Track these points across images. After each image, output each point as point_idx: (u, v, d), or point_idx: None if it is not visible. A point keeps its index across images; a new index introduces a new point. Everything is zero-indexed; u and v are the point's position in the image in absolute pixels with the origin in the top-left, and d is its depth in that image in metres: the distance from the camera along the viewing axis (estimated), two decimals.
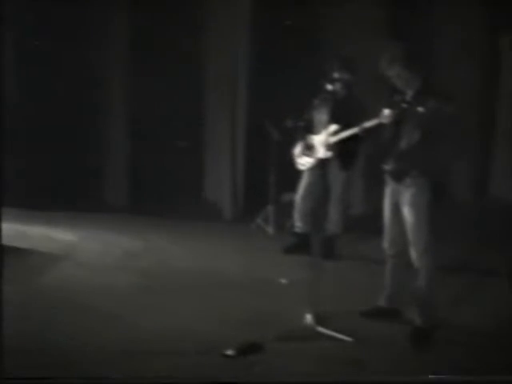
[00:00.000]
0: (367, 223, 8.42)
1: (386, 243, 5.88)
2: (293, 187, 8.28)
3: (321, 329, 5.50)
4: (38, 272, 6.74)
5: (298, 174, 7.98)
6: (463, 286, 6.75)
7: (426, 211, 5.54)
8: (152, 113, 9.53)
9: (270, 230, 8.79)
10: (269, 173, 8.85)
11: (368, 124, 6.33)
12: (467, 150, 8.83)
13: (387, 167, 5.73)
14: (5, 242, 7.30)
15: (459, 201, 8.85)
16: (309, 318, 5.55)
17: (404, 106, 5.60)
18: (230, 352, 5.03)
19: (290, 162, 8.07)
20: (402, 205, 5.63)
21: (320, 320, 5.55)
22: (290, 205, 8.33)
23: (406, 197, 5.59)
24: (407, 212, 5.59)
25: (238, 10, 9.24)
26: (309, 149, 7.71)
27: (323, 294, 5.57)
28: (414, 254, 5.61)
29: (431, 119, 5.41)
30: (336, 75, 7.28)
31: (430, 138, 5.50)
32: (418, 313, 5.65)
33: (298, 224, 7.93)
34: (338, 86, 7.22)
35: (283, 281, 6.80)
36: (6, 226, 7.86)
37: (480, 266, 7.32)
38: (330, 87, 7.14)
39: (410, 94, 5.60)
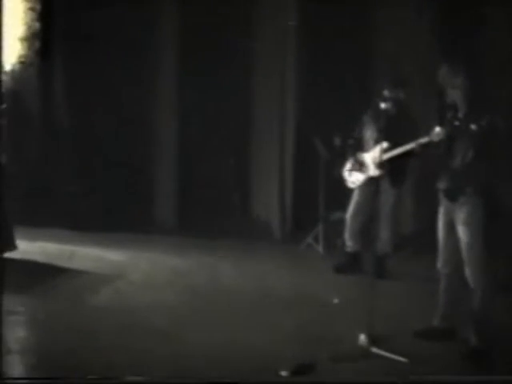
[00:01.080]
0: (417, 241, 8.38)
1: (440, 262, 5.81)
2: (342, 206, 8.25)
3: (375, 349, 5.43)
4: (90, 291, 6.76)
5: (347, 192, 7.93)
6: None
7: (481, 230, 5.47)
8: (201, 132, 9.56)
9: (320, 249, 8.74)
10: (318, 191, 8.79)
11: (419, 142, 6.26)
12: None
13: (441, 186, 5.67)
14: (58, 262, 7.47)
15: None
16: (363, 338, 5.48)
17: (456, 123, 5.54)
18: (283, 373, 4.98)
19: (340, 180, 8.03)
20: (457, 223, 5.56)
21: (374, 340, 5.47)
22: (340, 223, 8.28)
23: (461, 215, 5.52)
24: (462, 231, 5.52)
25: (285, 28, 9.21)
26: (359, 166, 7.67)
27: (377, 314, 5.48)
28: (469, 273, 5.53)
29: (485, 136, 5.35)
30: (388, 93, 7.22)
31: (484, 156, 5.43)
32: (473, 333, 5.56)
33: (349, 243, 7.88)
34: (390, 104, 7.16)
35: (335, 300, 6.74)
36: (58, 247, 8.05)
37: None
38: (382, 105, 7.09)
39: (463, 111, 5.53)
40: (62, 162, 9.33)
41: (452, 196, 5.57)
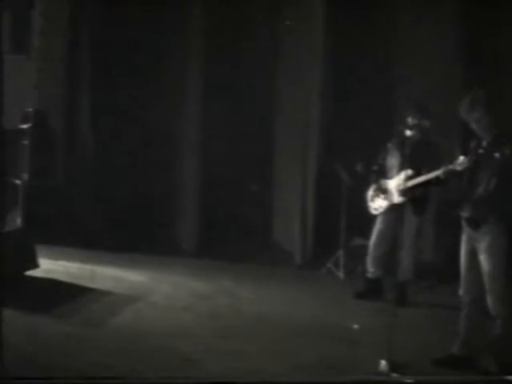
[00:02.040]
0: (439, 270, 8.36)
1: (462, 290, 5.80)
2: (362, 232, 8.27)
3: (395, 375, 5.42)
4: (111, 312, 6.77)
5: (368, 218, 7.94)
6: None
7: (504, 259, 5.46)
8: (224, 157, 9.61)
9: (341, 274, 8.72)
10: (339, 217, 8.79)
11: (443, 170, 6.24)
12: None
13: (464, 214, 5.67)
14: (80, 282, 7.50)
15: None
16: (383, 364, 5.46)
17: (481, 152, 5.55)
18: None
19: (360, 207, 8.04)
20: (479, 252, 5.56)
21: (395, 367, 5.45)
22: (360, 249, 8.29)
23: (483, 244, 5.52)
24: (484, 259, 5.52)
25: (310, 53, 9.27)
26: (382, 193, 7.68)
27: (397, 341, 5.48)
28: (490, 302, 5.51)
29: (509, 166, 5.36)
30: (413, 121, 7.25)
31: (507, 185, 5.43)
32: (493, 361, 5.54)
33: (371, 269, 7.87)
34: (414, 131, 7.17)
35: (355, 326, 6.73)
36: (79, 266, 8.08)
37: None
38: (407, 133, 7.10)
39: (487, 140, 5.56)
40: (87, 182, 9.39)
41: (475, 224, 5.57)
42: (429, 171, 6.64)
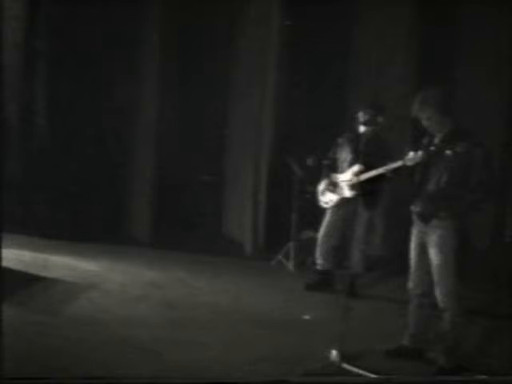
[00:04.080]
0: (386, 264, 8.52)
1: (411, 283, 5.94)
2: (313, 224, 8.39)
3: (346, 365, 5.56)
4: (64, 301, 6.81)
5: (318, 211, 8.07)
6: (487, 329, 6.80)
7: (452, 253, 5.60)
8: (177, 148, 9.67)
9: (291, 266, 8.85)
10: (290, 210, 8.91)
11: (393, 166, 6.35)
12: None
13: (415, 209, 5.81)
14: (32, 271, 7.48)
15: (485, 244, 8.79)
16: (335, 354, 5.60)
17: (432, 148, 5.69)
18: None
19: (312, 200, 8.16)
20: (429, 246, 5.70)
21: (345, 357, 5.59)
22: (311, 242, 8.41)
23: (433, 238, 5.66)
24: (433, 253, 5.66)
25: (264, 44, 9.33)
26: (333, 187, 7.80)
27: (348, 332, 5.61)
28: (439, 295, 5.66)
29: (460, 162, 5.51)
30: (366, 117, 7.39)
31: (458, 181, 5.57)
32: (442, 353, 5.71)
33: (320, 261, 7.99)
34: (367, 127, 7.32)
35: (306, 317, 6.86)
36: (32, 255, 8.05)
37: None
38: (360, 128, 7.20)
39: (439, 137, 5.70)
40: (38, 169, 9.34)
41: (425, 219, 5.70)
42: (380, 166, 6.77)
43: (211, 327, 6.43)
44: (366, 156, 7.24)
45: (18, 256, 7.96)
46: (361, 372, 5.47)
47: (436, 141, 5.72)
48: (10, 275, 7.21)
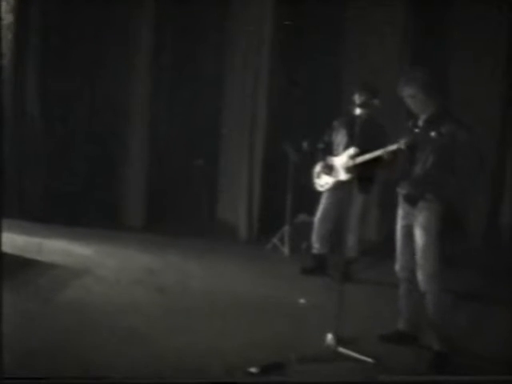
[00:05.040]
0: (383, 247, 8.49)
1: (397, 266, 5.90)
2: (308, 209, 8.36)
3: (341, 349, 5.54)
4: (59, 285, 6.79)
5: (313, 195, 8.03)
6: (476, 312, 6.80)
7: (436, 236, 5.56)
8: (170, 133, 9.64)
9: (286, 250, 8.82)
10: (285, 194, 8.87)
11: (389, 149, 6.31)
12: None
13: (402, 191, 5.78)
14: (26, 255, 7.45)
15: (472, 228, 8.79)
16: (330, 338, 5.58)
17: (416, 131, 5.65)
18: (253, 369, 5.07)
19: (307, 184, 8.13)
20: (415, 228, 5.66)
21: (341, 341, 5.57)
22: (306, 226, 8.38)
23: (419, 220, 5.61)
24: (418, 235, 5.61)
25: (258, 31, 9.27)
26: (328, 170, 7.76)
27: (344, 316, 5.59)
28: (420, 277, 5.61)
29: (445, 145, 5.46)
30: (361, 99, 7.34)
31: (444, 164, 5.53)
32: (434, 337, 5.67)
33: (316, 245, 7.98)
34: (363, 110, 7.26)
35: (302, 301, 6.84)
36: (26, 239, 8.02)
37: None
38: (357, 111, 7.17)
39: (423, 119, 5.66)
40: (33, 155, 9.30)
41: (412, 201, 5.66)
42: (374, 149, 6.74)
43: (207, 313, 6.40)
44: (361, 139, 7.18)
45: (12, 240, 7.90)
46: (356, 356, 5.44)
47: (420, 123, 5.68)
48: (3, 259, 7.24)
